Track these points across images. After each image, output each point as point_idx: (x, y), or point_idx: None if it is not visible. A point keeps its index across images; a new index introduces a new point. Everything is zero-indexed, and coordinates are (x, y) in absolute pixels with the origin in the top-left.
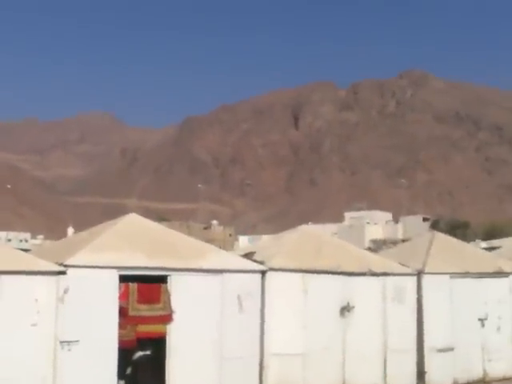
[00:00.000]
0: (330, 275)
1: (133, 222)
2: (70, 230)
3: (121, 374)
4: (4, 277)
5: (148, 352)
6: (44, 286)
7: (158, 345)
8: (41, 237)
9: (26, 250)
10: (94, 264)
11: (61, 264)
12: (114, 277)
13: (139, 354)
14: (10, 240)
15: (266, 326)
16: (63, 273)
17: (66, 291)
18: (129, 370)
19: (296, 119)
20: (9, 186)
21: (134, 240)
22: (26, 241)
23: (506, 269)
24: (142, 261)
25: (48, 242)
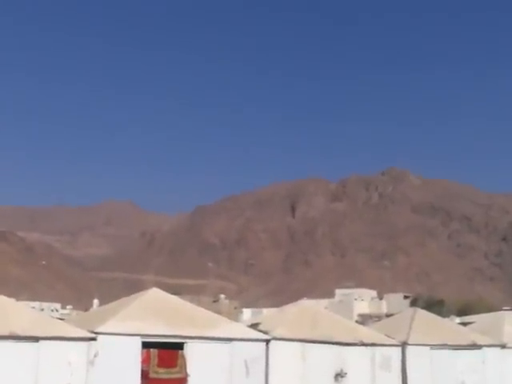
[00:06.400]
0: (325, 345)
1: (155, 295)
2: (96, 302)
3: None
4: (42, 341)
5: None
6: (76, 350)
7: None
8: (70, 307)
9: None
10: (120, 332)
11: (92, 331)
12: (137, 343)
13: None
14: (42, 309)
15: None
16: (94, 339)
17: (95, 355)
18: None
19: (293, 208)
20: (44, 262)
21: (156, 311)
22: (57, 310)
23: (479, 342)
24: (162, 329)
25: (76, 312)
